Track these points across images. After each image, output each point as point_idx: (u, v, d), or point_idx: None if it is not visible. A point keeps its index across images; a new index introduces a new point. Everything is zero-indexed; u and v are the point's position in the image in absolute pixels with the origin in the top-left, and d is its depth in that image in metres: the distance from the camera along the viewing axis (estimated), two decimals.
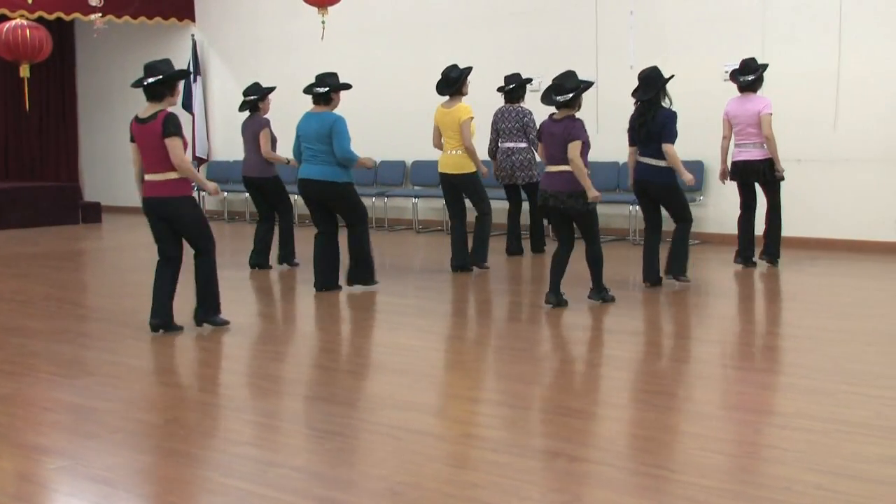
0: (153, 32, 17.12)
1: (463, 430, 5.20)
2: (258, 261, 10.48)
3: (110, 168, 18.31)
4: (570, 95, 7.92)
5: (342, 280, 9.06)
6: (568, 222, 8.16)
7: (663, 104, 8.74)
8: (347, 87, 9.06)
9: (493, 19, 13.49)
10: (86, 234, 15.11)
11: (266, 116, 10.51)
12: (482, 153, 10.32)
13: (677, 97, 9.63)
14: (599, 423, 5.29)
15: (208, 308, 7.60)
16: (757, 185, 9.98)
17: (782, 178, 9.86)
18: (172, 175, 7.18)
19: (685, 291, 8.83)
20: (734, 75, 9.94)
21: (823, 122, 11.33)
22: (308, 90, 9.06)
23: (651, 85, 8.72)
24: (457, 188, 9.99)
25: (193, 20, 17.02)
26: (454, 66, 9.90)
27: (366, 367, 6.71)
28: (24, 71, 14.43)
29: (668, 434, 5.11)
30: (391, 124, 14.14)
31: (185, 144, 7.20)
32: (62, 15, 15.51)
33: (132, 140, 7.36)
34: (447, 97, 9.87)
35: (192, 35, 16.93)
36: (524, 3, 13.30)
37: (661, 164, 8.71)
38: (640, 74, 8.85)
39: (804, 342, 7.06)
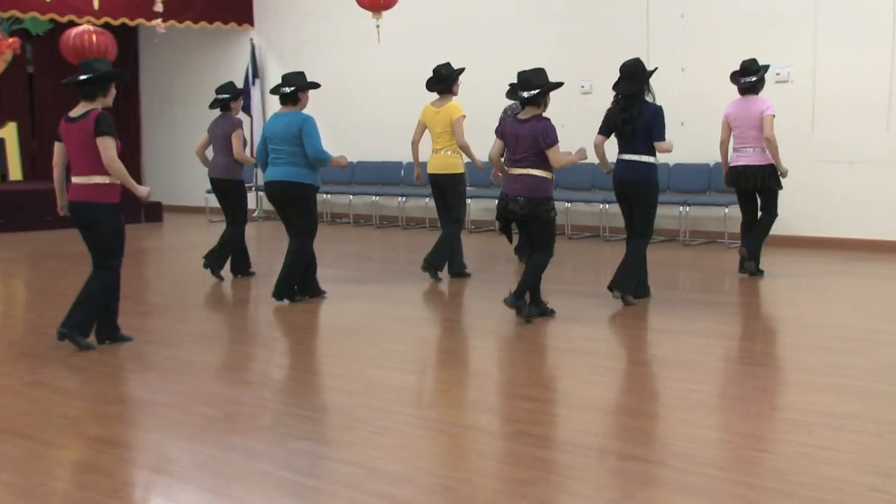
0: (213, 36, 17.27)
1: (514, 428, 5.18)
2: (241, 268, 10.12)
3: (171, 168, 18.51)
4: (536, 92, 7.27)
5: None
6: (529, 227, 7.58)
7: (647, 98, 8.14)
8: (315, 86, 8.74)
9: (544, 21, 13.44)
10: (147, 232, 15.25)
11: (238, 117, 10.02)
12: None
13: (729, 100, 9.56)
14: (650, 422, 5.25)
15: (78, 322, 6.88)
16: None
17: (780, 187, 9.37)
18: (99, 179, 6.71)
19: (727, 291, 8.73)
20: (734, 77, 9.49)
21: (876, 123, 11.15)
22: (275, 90, 8.71)
23: (634, 78, 8.12)
24: (442, 189, 9.58)
25: (252, 24, 17.14)
26: (447, 64, 9.54)
27: (417, 364, 6.71)
28: None
29: (718, 434, 5.06)
30: None
31: (119, 147, 6.75)
32: (126, 20, 15.71)
33: (59, 140, 6.93)
34: (437, 97, 9.48)
35: (251, 39, 17.05)
36: (575, 5, 13.23)
37: (645, 160, 8.08)
38: (621, 66, 8.24)
39: (856, 344, 6.94)
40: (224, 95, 9.95)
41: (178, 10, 15.97)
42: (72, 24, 14.91)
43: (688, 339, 7.24)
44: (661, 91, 12.11)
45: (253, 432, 5.19)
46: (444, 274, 9.73)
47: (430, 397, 5.94)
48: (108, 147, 6.62)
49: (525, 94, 7.30)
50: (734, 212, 11.84)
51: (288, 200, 8.53)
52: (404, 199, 14.63)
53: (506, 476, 4.45)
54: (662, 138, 8.03)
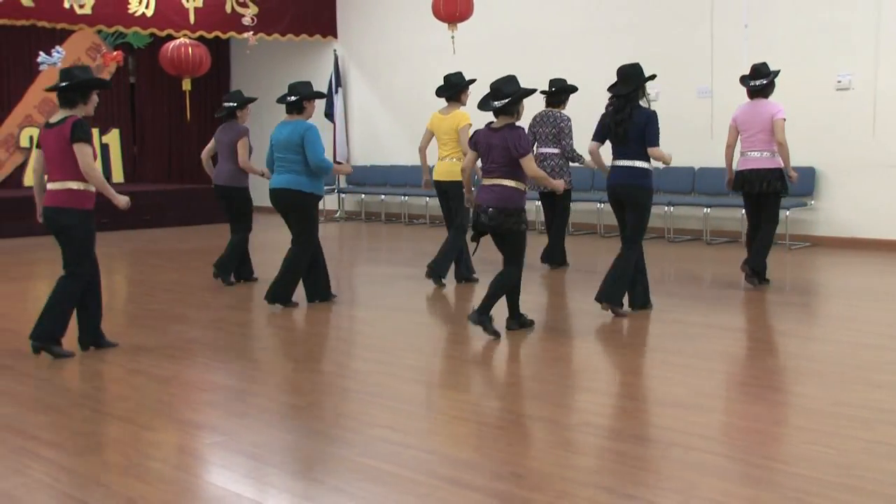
0: (300, 48, 17.43)
1: (582, 419, 5.13)
2: (244, 274, 9.72)
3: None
4: (507, 101, 6.74)
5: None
6: (500, 240, 7.01)
7: (641, 103, 7.62)
8: (320, 95, 8.54)
9: (612, 32, 13.32)
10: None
11: (245, 125, 9.62)
12: None
13: (792, 106, 9.37)
14: (712, 416, 5.16)
15: (46, 333, 6.54)
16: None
17: (786, 192, 8.66)
18: (73, 185, 6.38)
19: (788, 291, 8.56)
20: (744, 80, 8.80)
21: None
22: (281, 99, 8.42)
23: (629, 81, 7.58)
24: (447, 195, 9.23)
25: (336, 36, 17.26)
26: (458, 73, 9.20)
27: (489, 357, 6.69)
28: (186, 84, 14.86)
29: (778, 427, 4.96)
30: None
31: (95, 154, 6.46)
32: (219, 34, 15.93)
33: (38, 146, 6.61)
34: (445, 104, 9.23)
35: (335, 50, 17.17)
36: (641, 16, 13.09)
37: (638, 165, 7.58)
38: (618, 70, 7.71)
39: None
40: (231, 103, 9.61)
41: (268, 24, 16.14)
42: (170, 37, 15.16)
43: (746, 336, 7.13)
44: (723, 98, 12.05)
45: (334, 420, 5.21)
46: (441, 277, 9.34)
47: (500, 389, 5.92)
48: (85, 154, 6.33)
49: (496, 104, 6.78)
50: (795, 214, 11.65)
51: (288, 208, 8.20)
52: None
53: (573, 465, 4.41)
54: (655, 144, 7.51)
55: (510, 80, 6.89)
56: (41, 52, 16.00)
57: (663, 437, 4.72)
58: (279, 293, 8.18)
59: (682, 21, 12.71)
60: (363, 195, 16.86)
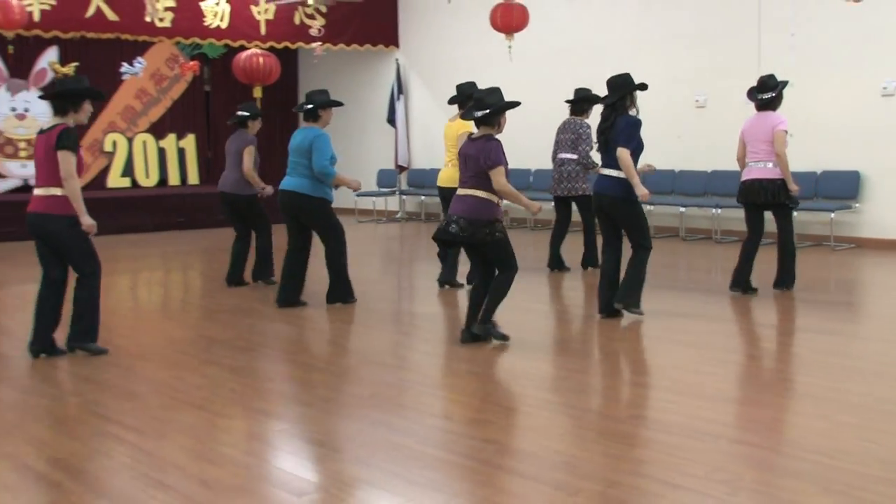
0: (363, 57, 17.52)
1: (633, 412, 5.09)
2: (235, 278, 9.36)
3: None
4: (486, 112, 6.38)
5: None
6: (476, 249, 6.66)
7: (630, 112, 7.25)
8: (334, 104, 8.28)
9: (662, 42, 13.20)
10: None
11: (253, 136, 9.36)
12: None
13: (838, 112, 9.20)
14: (759, 410, 5.09)
15: (82, 332, 6.46)
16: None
17: (796, 204, 8.24)
18: (57, 191, 6.16)
19: (832, 290, 8.41)
20: (751, 93, 8.37)
21: None
22: (298, 108, 8.28)
23: (616, 90, 7.24)
24: (448, 201, 8.86)
25: (397, 46, 17.31)
26: (470, 83, 8.87)
27: (544, 351, 6.66)
28: (257, 92, 15.00)
29: (823, 422, 4.87)
30: None
31: (81, 164, 6.23)
32: (289, 44, 16.08)
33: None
34: (456, 111, 9.01)
35: (396, 59, 17.22)
36: (691, 26, 12.95)
37: (615, 175, 7.17)
38: (608, 80, 7.39)
39: None
40: (244, 113, 9.37)
41: (334, 35, 16.25)
42: (242, 48, 15.32)
43: (795, 335, 7.02)
44: None
45: (395, 410, 5.23)
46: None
47: (552, 383, 5.89)
48: (66, 161, 6.10)
49: (478, 114, 6.44)
50: (841, 216, 11.45)
51: (295, 210, 8.03)
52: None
53: (624, 456, 4.38)
54: (622, 145, 7.05)
55: (493, 92, 6.57)
56: (124, 63, 16.31)
57: (711, 430, 4.66)
58: (334, 294, 8.19)
59: (730, 30, 12.55)
60: (423, 197, 16.89)
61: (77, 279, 6.42)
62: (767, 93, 8.23)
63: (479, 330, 6.58)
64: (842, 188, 11.54)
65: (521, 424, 4.94)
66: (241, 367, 6.26)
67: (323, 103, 8.11)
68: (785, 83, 8.33)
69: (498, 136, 6.49)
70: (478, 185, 6.39)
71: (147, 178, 17.37)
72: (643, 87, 7.30)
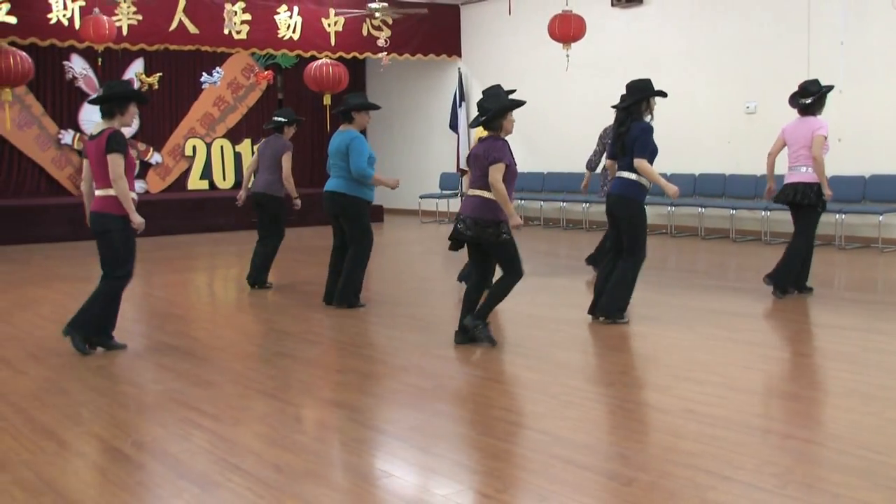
0: (428, 66, 17.56)
1: (685, 406, 5.03)
2: (258, 280, 9.29)
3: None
4: (484, 118, 6.24)
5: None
6: (480, 250, 6.48)
7: (645, 118, 7.02)
8: (369, 107, 8.02)
9: (714, 49, 13.02)
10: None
11: (289, 141, 9.24)
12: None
13: (884, 118, 8.99)
14: (808, 406, 4.99)
15: (80, 326, 6.40)
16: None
17: (821, 207, 8.03)
18: (112, 191, 6.20)
19: (880, 290, 8.20)
20: (793, 98, 8.19)
21: None
22: (337, 112, 8.15)
23: (632, 94, 7.05)
24: None
25: (460, 55, 17.31)
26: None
27: (600, 347, 6.61)
28: (327, 100, 15.12)
29: (874, 419, 4.76)
30: None
31: (132, 165, 6.26)
32: (357, 54, 16.18)
33: (85, 156, 6.42)
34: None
35: (459, 68, 17.22)
36: (741, 35, 12.74)
37: (632, 177, 6.94)
38: (627, 84, 7.21)
39: None
40: (281, 119, 9.23)
41: (400, 45, 16.31)
42: (313, 58, 15.46)
43: (844, 333, 6.87)
44: (824, 113, 11.60)
45: (457, 401, 5.23)
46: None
47: (608, 377, 5.84)
48: (115, 164, 6.13)
49: (481, 120, 6.30)
50: (889, 219, 11.18)
51: (337, 210, 8.00)
52: (588, 205, 14.45)
53: (676, 448, 4.32)
54: (640, 155, 6.83)
55: (492, 96, 6.39)
56: (203, 73, 16.57)
57: (761, 425, 4.59)
58: (342, 296, 8.07)
59: (781, 38, 12.33)
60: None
61: (102, 279, 6.40)
62: (808, 97, 8.03)
63: (469, 323, 6.43)
64: (890, 192, 11.28)
65: (575, 417, 4.90)
66: (312, 359, 6.32)
67: (355, 106, 7.96)
68: (829, 88, 8.13)
69: (506, 137, 6.37)
70: (485, 185, 6.27)
71: (224, 181, 17.61)
72: (662, 94, 7.09)
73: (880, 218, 11.16)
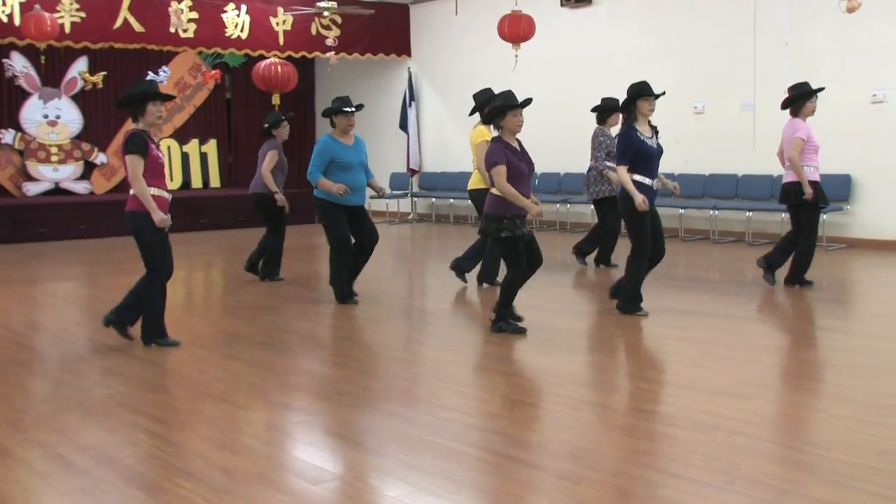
0: (377, 66, 17.52)
1: (635, 405, 5.08)
2: (250, 264, 9.72)
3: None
4: (481, 113, 6.41)
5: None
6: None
7: (637, 121, 7.22)
8: (339, 110, 7.97)
9: (662, 50, 13.17)
10: (320, 231, 15.58)
11: (277, 140, 9.44)
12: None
13: (830, 118, 9.17)
14: (757, 404, 5.06)
15: (121, 314, 6.66)
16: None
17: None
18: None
19: (825, 289, 8.36)
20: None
21: None
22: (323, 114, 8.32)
23: (627, 99, 7.30)
24: (474, 202, 8.55)
25: (409, 55, 17.31)
26: (485, 90, 8.48)
27: (552, 347, 6.64)
28: (276, 99, 15.04)
29: (817, 414, 4.86)
30: (572, 141, 13.97)
31: (155, 163, 6.32)
32: (305, 53, 16.08)
33: None
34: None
35: (409, 67, 17.22)
36: (690, 35, 12.91)
37: (635, 178, 7.18)
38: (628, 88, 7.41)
39: None
40: (266, 124, 9.52)
41: (349, 44, 16.26)
42: (262, 57, 15.35)
43: (787, 331, 6.99)
44: (765, 112, 11.83)
45: (408, 402, 5.23)
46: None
47: (559, 377, 5.87)
48: (131, 165, 6.23)
49: (471, 114, 6.68)
50: (832, 218, 11.38)
51: (315, 212, 8.24)
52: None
53: (627, 447, 4.36)
54: (617, 162, 7.22)
55: (477, 95, 6.56)
56: (150, 72, 16.36)
57: (710, 423, 4.65)
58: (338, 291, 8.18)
59: (727, 41, 12.52)
60: (434, 199, 16.90)
61: (145, 273, 6.57)
62: (788, 98, 8.34)
63: (492, 328, 6.75)
64: (834, 191, 11.48)
65: (527, 417, 4.92)
66: (261, 362, 6.26)
67: (327, 112, 8.13)
68: (796, 88, 8.38)
69: (506, 138, 6.60)
70: (492, 182, 6.59)
71: (171, 182, 17.40)
72: (647, 94, 7.19)
73: (824, 217, 11.35)
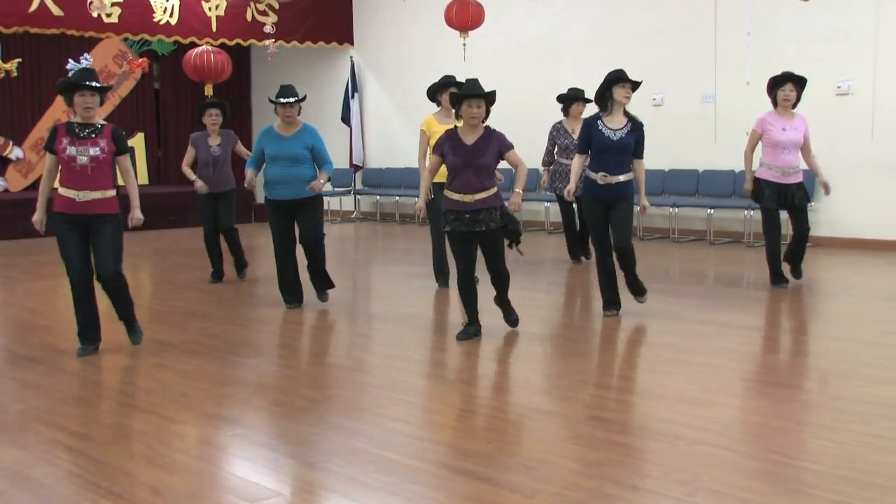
0: (317, 54, 17.45)
1: (590, 413, 5.12)
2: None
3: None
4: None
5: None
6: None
7: (609, 111, 7.37)
8: (275, 101, 8.02)
9: (619, 40, 13.30)
10: (258, 231, 15.47)
11: (198, 132, 9.84)
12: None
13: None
14: (717, 410, 5.13)
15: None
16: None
17: (756, 201, 8.59)
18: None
19: (790, 289, 8.51)
20: None
21: None
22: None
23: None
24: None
25: (352, 43, 17.28)
26: (444, 76, 8.91)
27: (501, 355, 6.68)
28: (209, 90, 14.90)
29: (780, 422, 4.94)
30: (527, 135, 14.03)
31: (60, 158, 6.40)
32: (241, 41, 15.97)
33: None
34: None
35: (351, 56, 17.18)
36: (648, 24, 13.07)
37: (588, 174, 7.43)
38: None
39: None
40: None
41: (287, 32, 16.18)
42: (193, 44, 15.21)
43: (749, 333, 7.10)
44: (727, 103, 12.02)
45: (351, 413, 5.22)
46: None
47: (510, 384, 5.91)
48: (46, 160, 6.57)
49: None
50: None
51: None
52: None
53: (582, 457, 4.40)
54: (577, 148, 7.63)
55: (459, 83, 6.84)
56: (70, 59, 16.07)
57: (670, 431, 4.71)
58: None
59: (687, 29, 12.69)
60: (378, 196, 16.88)
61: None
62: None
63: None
64: (809, 183, 11.69)
65: (477, 427, 4.95)
66: (193, 371, 6.21)
67: (271, 100, 8.16)
68: (770, 80, 8.59)
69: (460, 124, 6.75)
70: None
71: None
72: (623, 79, 7.33)
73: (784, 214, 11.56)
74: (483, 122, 6.72)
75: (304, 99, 8.10)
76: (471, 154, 6.59)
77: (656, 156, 12.84)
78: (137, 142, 17.74)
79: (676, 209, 12.65)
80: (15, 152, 16.32)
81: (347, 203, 17.28)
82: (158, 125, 18.32)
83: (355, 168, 17.14)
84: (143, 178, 17.76)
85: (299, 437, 4.83)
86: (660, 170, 12.97)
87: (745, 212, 11.90)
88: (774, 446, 4.50)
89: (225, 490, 4.17)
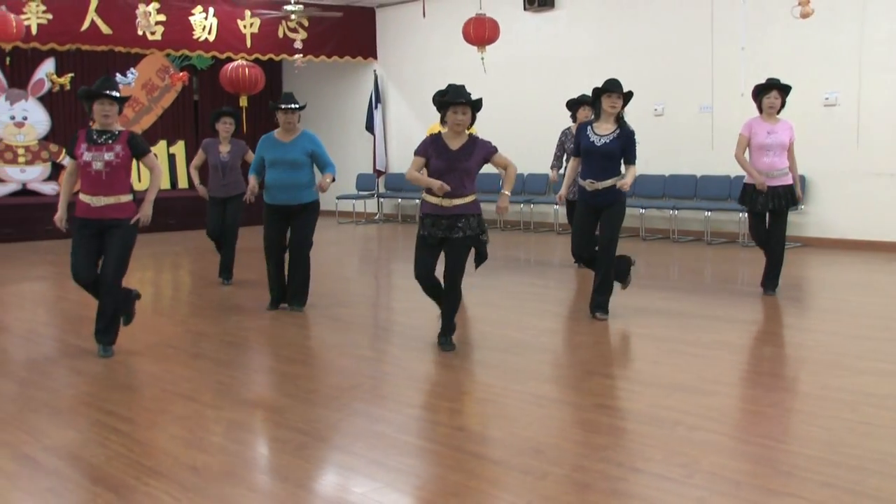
0: (343, 68, 17.46)
1: (595, 401, 5.11)
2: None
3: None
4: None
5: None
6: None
7: (598, 119, 7.28)
8: (274, 107, 7.80)
9: (623, 54, 13.25)
10: None
11: (210, 139, 9.69)
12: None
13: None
14: (714, 398, 5.11)
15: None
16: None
17: (741, 203, 8.33)
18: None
19: (782, 286, 8.45)
20: None
21: None
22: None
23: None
24: None
25: (376, 58, 17.27)
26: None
27: (513, 345, 6.66)
28: (243, 101, 14.92)
29: (772, 409, 4.91)
30: (536, 142, 14.03)
31: (78, 163, 6.27)
32: (273, 56, 15.99)
33: None
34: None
35: (374, 70, 17.17)
36: (650, 39, 13.01)
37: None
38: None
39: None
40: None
41: (315, 47, 16.19)
42: (229, 59, 15.24)
43: (744, 327, 7.06)
44: (723, 114, 11.96)
45: (374, 400, 5.22)
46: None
47: (522, 374, 5.89)
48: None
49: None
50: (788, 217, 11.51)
51: None
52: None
53: (588, 442, 4.39)
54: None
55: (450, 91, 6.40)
56: (117, 73, 16.17)
57: (670, 418, 4.69)
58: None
59: (686, 44, 12.63)
60: (399, 199, 16.88)
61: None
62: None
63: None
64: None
65: (491, 413, 4.94)
66: (228, 361, 6.22)
67: (270, 107, 7.98)
68: (763, 85, 8.38)
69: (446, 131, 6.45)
70: None
71: (139, 183, 17.20)
72: (607, 90, 7.18)
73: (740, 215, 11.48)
74: (469, 128, 6.35)
75: (303, 107, 7.92)
76: (455, 158, 6.21)
77: (657, 161, 12.84)
78: (178, 149, 17.78)
79: (676, 211, 12.60)
80: (67, 159, 16.38)
81: (371, 206, 17.28)
82: (197, 134, 18.36)
83: (378, 173, 17.14)
84: (184, 182, 17.80)
85: (326, 422, 4.83)
86: (660, 174, 12.93)
87: (740, 214, 11.83)
88: (767, 432, 4.48)
89: (258, 470, 4.18)
